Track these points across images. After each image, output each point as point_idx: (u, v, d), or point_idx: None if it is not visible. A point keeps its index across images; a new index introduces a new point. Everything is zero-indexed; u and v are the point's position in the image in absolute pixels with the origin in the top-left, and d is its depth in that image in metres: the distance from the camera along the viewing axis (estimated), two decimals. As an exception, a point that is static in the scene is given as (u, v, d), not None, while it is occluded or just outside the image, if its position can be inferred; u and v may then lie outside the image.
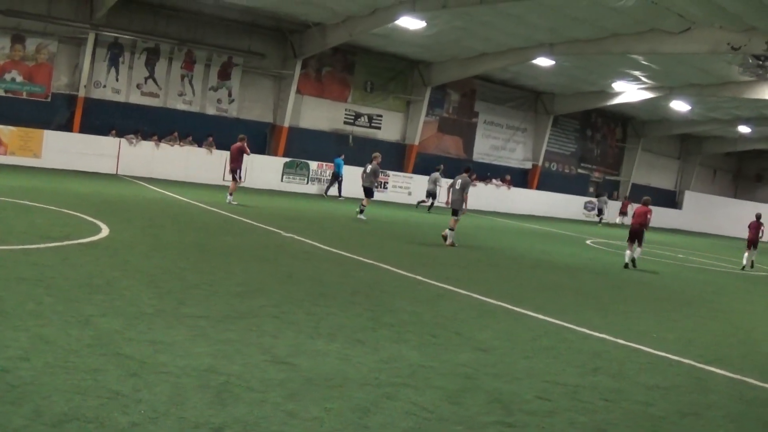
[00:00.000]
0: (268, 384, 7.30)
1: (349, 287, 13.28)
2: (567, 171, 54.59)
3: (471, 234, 27.62)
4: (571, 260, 23.92)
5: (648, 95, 44.45)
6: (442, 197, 29.07)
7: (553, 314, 13.23)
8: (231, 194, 27.21)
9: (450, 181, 25.52)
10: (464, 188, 23.23)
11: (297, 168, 38.23)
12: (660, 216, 57.06)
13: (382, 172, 38.59)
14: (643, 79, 41.82)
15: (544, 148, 51.41)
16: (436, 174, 39.37)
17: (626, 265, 23.38)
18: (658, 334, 12.96)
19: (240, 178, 27.96)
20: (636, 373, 9.90)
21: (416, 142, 43.74)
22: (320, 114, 40.72)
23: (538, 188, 51.13)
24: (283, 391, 7.15)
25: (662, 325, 14.06)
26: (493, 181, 47.34)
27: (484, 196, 44.52)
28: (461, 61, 40.78)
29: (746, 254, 29.72)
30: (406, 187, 42.32)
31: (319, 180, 39.06)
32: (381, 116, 42.90)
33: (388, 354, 9.07)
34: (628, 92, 45.07)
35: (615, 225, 49.95)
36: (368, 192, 28.87)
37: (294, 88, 38.51)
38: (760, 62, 33.04)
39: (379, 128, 42.93)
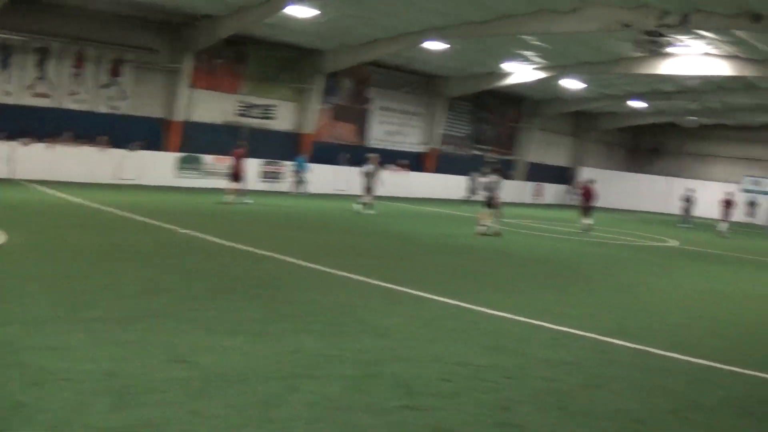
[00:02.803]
0: (171, 384, 7.22)
1: (249, 281, 13.18)
2: (463, 153, 54.88)
3: (370, 220, 27.69)
4: (469, 241, 24.09)
5: (541, 75, 44.91)
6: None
7: (454, 296, 13.30)
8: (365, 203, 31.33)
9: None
10: (496, 185, 26.87)
11: (191, 162, 37.79)
12: (556, 192, 58.03)
13: (277, 162, 38.65)
14: (536, 59, 42.27)
15: (439, 131, 51.63)
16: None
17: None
18: (560, 309, 13.15)
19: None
20: (539, 350, 10.05)
21: (311, 131, 43.57)
22: (213, 107, 40.23)
23: (436, 171, 51.31)
24: (186, 390, 7.09)
25: (563, 300, 14.29)
26: (389, 166, 47.35)
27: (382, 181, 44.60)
28: (354, 48, 40.73)
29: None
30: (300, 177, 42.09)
31: (214, 173, 38.52)
32: (275, 106, 42.60)
33: (291, 345, 9.04)
34: (521, 73, 45.47)
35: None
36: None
37: (186, 81, 38.07)
38: (653, 38, 33.64)
39: (273, 118, 42.65)
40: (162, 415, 6.40)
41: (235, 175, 30.51)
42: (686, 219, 46.02)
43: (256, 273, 14.26)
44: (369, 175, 31.81)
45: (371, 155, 33.19)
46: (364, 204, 31.24)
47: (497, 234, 25.79)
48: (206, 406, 6.71)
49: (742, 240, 37.98)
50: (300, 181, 40.76)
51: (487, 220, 26.15)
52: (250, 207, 28.63)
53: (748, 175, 63.52)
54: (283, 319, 10.42)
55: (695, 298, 16.65)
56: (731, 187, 53.21)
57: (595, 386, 8.59)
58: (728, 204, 40.85)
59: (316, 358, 8.60)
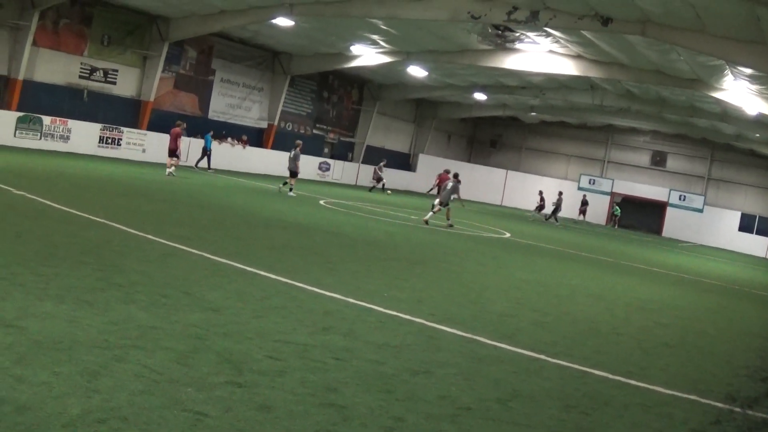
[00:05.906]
0: (-5, 348, 7.02)
1: (79, 247, 12.82)
2: (303, 131, 54.85)
3: (204, 193, 27.42)
4: (303, 220, 24.12)
5: (385, 59, 45.21)
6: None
7: (284, 273, 13.34)
8: None
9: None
10: (454, 190, 31.03)
11: (30, 123, 36.62)
12: (393, 177, 58.49)
13: (116, 128, 37.92)
14: (382, 43, 42.49)
15: (280, 108, 51.43)
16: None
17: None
18: (389, 293, 13.29)
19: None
20: (367, 332, 10.14)
21: (151, 99, 42.81)
22: (56, 67, 39.01)
23: (273, 148, 51.10)
24: (11, 355, 6.88)
25: (393, 284, 14.43)
26: (229, 139, 47.01)
27: (219, 154, 44.23)
28: (200, 17, 40.16)
29: None
30: (140, 144, 41.37)
31: (53, 136, 37.48)
32: (117, 71, 41.70)
33: (118, 315, 8.87)
34: (366, 56, 45.67)
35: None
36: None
37: (30, 39, 36.83)
38: (500, 32, 34.25)
39: (114, 83, 41.75)
40: (-16, 379, 6.22)
41: (173, 151, 33.10)
42: (553, 217, 51.24)
43: (85, 238, 13.84)
44: (292, 158, 34.02)
45: (298, 141, 35.75)
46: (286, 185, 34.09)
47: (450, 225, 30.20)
48: (31, 372, 6.54)
49: (574, 236, 39.08)
50: (207, 157, 42.24)
51: (431, 215, 30.36)
52: (69, 174, 28.00)
53: (584, 174, 65.54)
54: (110, 287, 10.20)
55: (522, 289, 17.02)
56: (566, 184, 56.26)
57: (422, 372, 8.68)
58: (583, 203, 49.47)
59: (142, 329, 8.47)
